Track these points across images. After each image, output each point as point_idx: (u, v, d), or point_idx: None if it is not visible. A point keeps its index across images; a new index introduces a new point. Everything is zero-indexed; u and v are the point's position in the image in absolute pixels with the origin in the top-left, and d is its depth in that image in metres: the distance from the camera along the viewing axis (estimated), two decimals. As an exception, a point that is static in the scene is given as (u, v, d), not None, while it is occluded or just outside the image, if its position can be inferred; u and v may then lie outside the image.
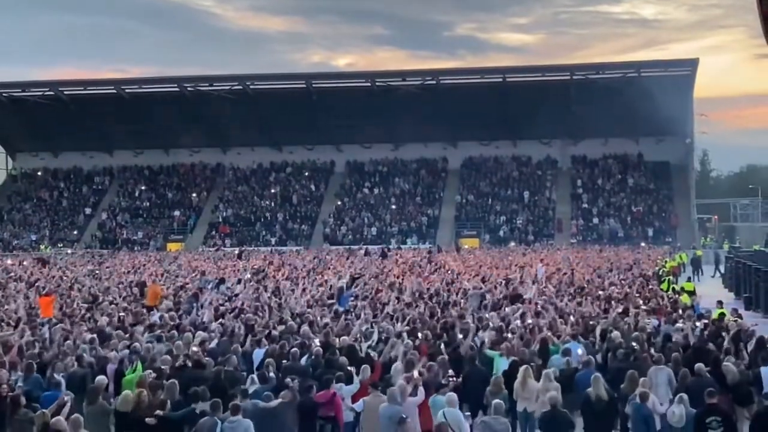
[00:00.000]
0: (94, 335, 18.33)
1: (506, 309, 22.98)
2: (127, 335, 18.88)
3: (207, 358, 16.15)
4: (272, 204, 75.83)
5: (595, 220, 70.19)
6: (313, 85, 74.46)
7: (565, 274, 34.48)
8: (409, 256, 49.15)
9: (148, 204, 77.74)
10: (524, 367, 15.57)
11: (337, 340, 18.01)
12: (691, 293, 28.07)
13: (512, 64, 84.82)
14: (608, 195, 72.48)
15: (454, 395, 13.56)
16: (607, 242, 64.61)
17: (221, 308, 23.62)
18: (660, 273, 37.55)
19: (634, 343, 17.16)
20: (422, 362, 15.96)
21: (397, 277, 33.24)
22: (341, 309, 23.80)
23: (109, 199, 78.74)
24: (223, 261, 48.44)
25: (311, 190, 76.60)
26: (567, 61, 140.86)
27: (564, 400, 14.51)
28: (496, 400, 13.71)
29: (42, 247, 70.08)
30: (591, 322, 20.01)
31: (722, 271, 49.29)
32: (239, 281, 32.16)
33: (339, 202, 74.67)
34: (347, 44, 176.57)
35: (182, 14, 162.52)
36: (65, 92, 76.49)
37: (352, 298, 26.00)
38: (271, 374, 15.41)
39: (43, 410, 12.49)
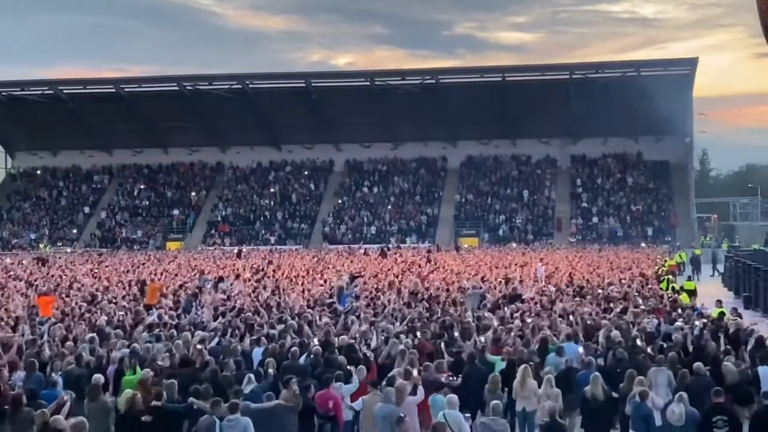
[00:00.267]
0: (94, 334, 18.32)
1: (506, 309, 22.96)
2: (126, 335, 18.87)
3: (209, 357, 16.14)
4: (271, 203, 75.75)
5: (595, 219, 70.14)
6: (313, 84, 74.34)
7: (564, 273, 34.47)
8: (408, 255, 49.16)
9: (147, 203, 77.65)
10: (523, 366, 15.52)
11: (336, 339, 17.99)
12: (692, 293, 28.08)
13: (511, 64, 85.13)
14: (608, 194, 72.40)
15: (454, 397, 13.50)
16: (607, 241, 64.61)
17: (221, 308, 23.61)
18: (659, 272, 37.54)
19: (637, 341, 17.13)
20: (421, 361, 15.94)
21: (396, 277, 33.23)
22: (341, 308, 23.79)
23: (108, 197, 78.64)
24: (222, 260, 48.43)
25: (310, 189, 76.52)
26: (566, 60, 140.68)
27: (564, 400, 14.50)
28: (494, 401, 13.69)
29: (41, 246, 69.99)
30: (590, 323, 19.94)
31: (720, 270, 49.27)
32: (237, 277, 32.16)
33: (338, 201, 74.67)
34: (347, 43, 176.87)
35: (182, 13, 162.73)
36: (64, 91, 76.30)
37: (352, 298, 25.97)
38: (270, 372, 15.37)
39: (43, 410, 12.48)
